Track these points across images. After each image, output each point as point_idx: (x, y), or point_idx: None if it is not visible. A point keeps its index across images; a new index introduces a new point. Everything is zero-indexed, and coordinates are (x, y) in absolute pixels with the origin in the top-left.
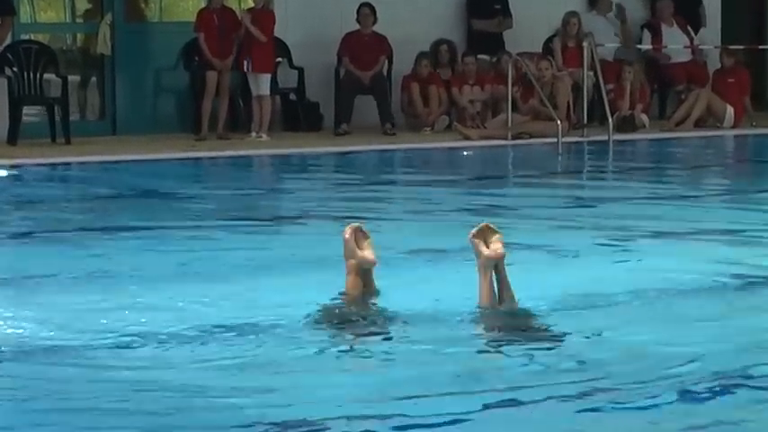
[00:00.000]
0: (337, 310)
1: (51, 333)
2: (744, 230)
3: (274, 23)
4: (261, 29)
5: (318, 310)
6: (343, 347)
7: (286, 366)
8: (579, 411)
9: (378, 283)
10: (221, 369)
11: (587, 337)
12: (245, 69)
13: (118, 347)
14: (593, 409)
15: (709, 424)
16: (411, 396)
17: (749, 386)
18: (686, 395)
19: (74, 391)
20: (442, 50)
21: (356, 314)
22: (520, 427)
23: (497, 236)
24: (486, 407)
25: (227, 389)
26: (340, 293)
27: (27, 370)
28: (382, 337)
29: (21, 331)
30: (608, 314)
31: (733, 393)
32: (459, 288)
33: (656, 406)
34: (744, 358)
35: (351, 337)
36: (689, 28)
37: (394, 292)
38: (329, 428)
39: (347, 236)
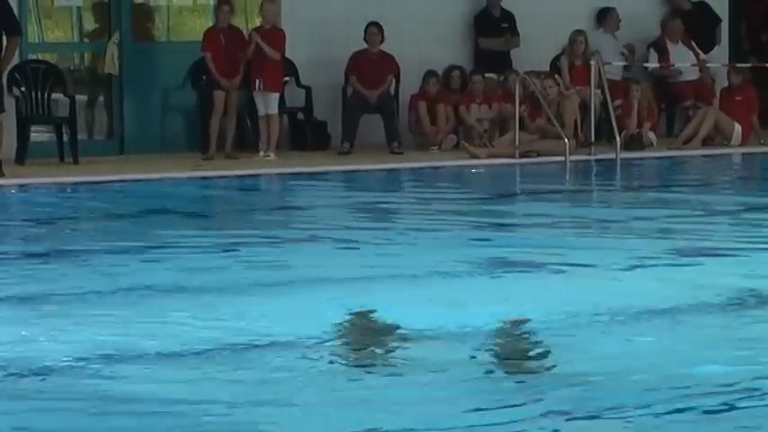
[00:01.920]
0: (347, 327)
1: (62, 349)
2: (754, 248)
3: (285, 41)
4: (272, 47)
5: (330, 328)
6: (352, 365)
7: (298, 383)
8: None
9: (388, 298)
10: (235, 385)
11: (599, 353)
12: (257, 88)
13: (128, 365)
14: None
15: None
16: (423, 413)
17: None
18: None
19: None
20: (454, 76)
21: (365, 331)
22: None
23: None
24: (494, 424)
25: (242, 404)
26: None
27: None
28: (393, 353)
29: (26, 350)
30: (620, 329)
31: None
32: (472, 304)
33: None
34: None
35: (359, 355)
36: (693, 44)
37: (404, 309)
38: None
39: None
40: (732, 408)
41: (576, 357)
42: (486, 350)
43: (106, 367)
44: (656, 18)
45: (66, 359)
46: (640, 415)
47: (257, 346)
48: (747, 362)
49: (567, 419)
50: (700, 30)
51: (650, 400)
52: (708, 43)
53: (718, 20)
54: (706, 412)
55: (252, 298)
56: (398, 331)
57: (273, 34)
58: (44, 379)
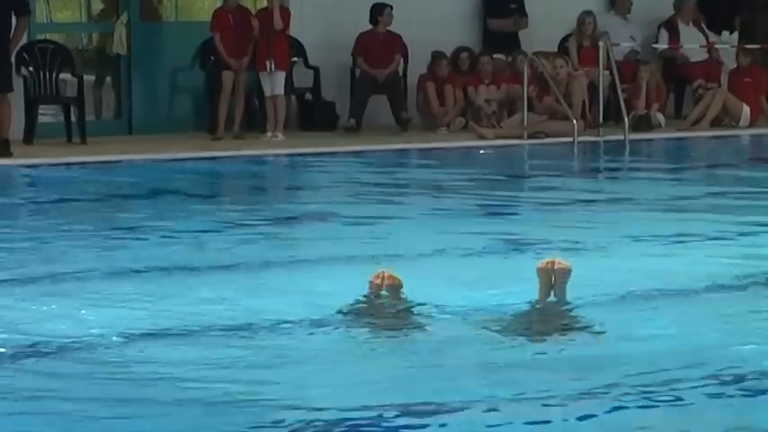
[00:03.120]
0: (361, 306)
1: (68, 329)
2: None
3: (290, 18)
4: (278, 24)
5: (343, 306)
6: (368, 342)
7: (315, 359)
8: (609, 411)
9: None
10: (249, 365)
11: (616, 333)
12: (268, 69)
13: (143, 342)
14: (621, 407)
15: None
16: (436, 388)
17: None
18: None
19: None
20: (463, 57)
21: (381, 310)
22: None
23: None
24: (509, 400)
25: (257, 383)
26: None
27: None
28: (406, 332)
29: (38, 327)
30: (636, 310)
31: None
32: (483, 284)
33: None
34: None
35: (376, 332)
36: (703, 25)
37: (418, 290)
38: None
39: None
40: None
41: (599, 336)
42: (504, 328)
43: (124, 346)
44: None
45: (76, 337)
46: (676, 395)
47: (270, 324)
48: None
49: (605, 399)
50: (720, 13)
51: (684, 380)
52: (726, 26)
53: (740, 6)
54: (745, 394)
55: (265, 275)
56: (414, 310)
57: (280, 13)
58: (57, 356)
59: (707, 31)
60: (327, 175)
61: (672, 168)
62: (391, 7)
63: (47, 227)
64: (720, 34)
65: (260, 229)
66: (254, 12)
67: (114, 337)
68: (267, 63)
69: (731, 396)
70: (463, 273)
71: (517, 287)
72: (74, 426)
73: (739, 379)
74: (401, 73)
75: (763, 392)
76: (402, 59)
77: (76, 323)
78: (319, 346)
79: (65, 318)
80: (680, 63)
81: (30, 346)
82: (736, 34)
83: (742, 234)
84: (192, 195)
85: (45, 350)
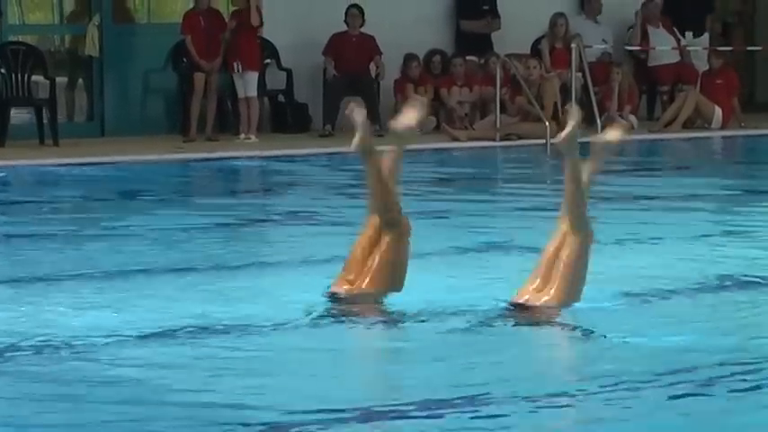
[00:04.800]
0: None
1: (44, 330)
2: (741, 230)
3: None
4: (250, 27)
5: (317, 307)
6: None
7: (288, 361)
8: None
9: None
10: (227, 367)
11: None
12: (236, 71)
13: (117, 346)
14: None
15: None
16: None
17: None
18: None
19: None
20: (435, 61)
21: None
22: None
23: None
24: (506, 397)
25: (238, 387)
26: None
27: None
28: (393, 332)
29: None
30: (609, 314)
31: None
32: (466, 285)
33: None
34: None
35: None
36: (675, 29)
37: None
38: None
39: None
40: None
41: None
42: (497, 326)
43: (89, 348)
44: (638, 2)
45: (41, 340)
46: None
47: (246, 325)
48: None
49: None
50: (694, 13)
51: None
52: (697, 28)
53: (712, 7)
54: None
55: (236, 277)
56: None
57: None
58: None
59: (677, 34)
60: (297, 177)
61: (644, 169)
62: (358, 8)
63: (15, 229)
64: (684, 36)
65: (229, 231)
66: (226, 14)
67: (78, 341)
68: (235, 65)
69: None
70: (429, 274)
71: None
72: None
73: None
74: (373, 75)
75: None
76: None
77: (41, 325)
78: (289, 347)
79: (29, 319)
80: (651, 66)
81: None
82: (706, 36)
83: (718, 234)
84: (161, 197)
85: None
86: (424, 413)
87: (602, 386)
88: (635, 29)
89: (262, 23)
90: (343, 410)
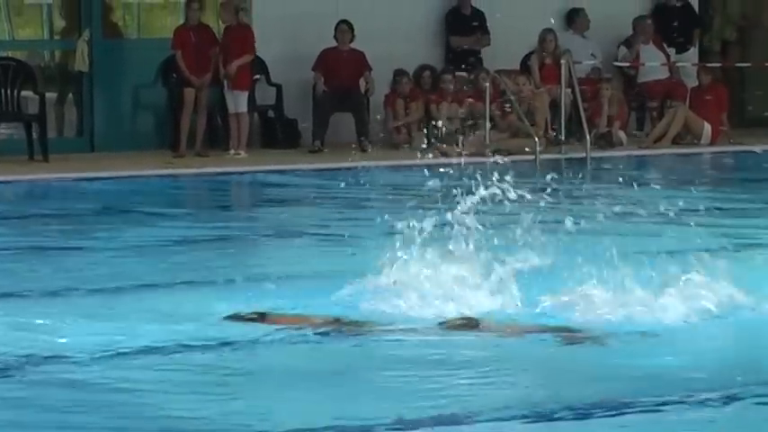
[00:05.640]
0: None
1: (29, 344)
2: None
3: (254, 39)
4: (242, 45)
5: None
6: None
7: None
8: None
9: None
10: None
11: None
12: (226, 87)
13: (108, 361)
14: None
15: None
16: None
17: None
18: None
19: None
20: (425, 76)
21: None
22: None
23: None
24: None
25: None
26: None
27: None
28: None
29: None
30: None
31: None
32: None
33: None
34: None
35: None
36: (664, 45)
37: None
38: None
39: None
40: None
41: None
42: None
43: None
44: (627, 18)
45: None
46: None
47: (231, 341)
48: None
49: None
50: (681, 29)
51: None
52: (685, 43)
53: (700, 22)
54: None
55: (224, 294)
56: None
57: (242, 31)
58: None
59: (666, 50)
60: (286, 192)
61: (633, 185)
62: (348, 24)
63: (2, 243)
64: (683, 53)
65: (221, 245)
66: (216, 31)
67: (62, 354)
68: (225, 82)
69: None
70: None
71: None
72: None
73: None
74: (363, 91)
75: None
76: (369, 74)
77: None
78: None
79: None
80: (641, 81)
81: None
82: (693, 51)
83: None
84: (151, 213)
85: None
86: None
87: None
88: (633, 46)
89: (252, 52)
90: None
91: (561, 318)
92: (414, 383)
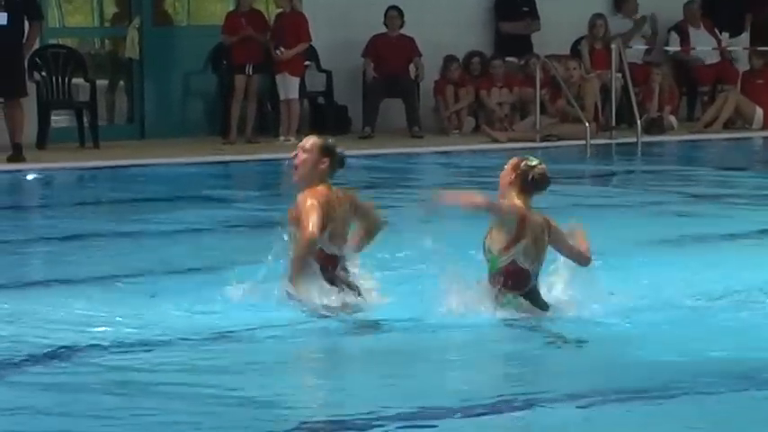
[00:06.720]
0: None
1: (72, 335)
2: None
3: (308, 25)
4: (296, 32)
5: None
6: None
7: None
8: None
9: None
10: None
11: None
12: (279, 53)
13: (148, 347)
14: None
15: None
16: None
17: None
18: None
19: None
20: (475, 62)
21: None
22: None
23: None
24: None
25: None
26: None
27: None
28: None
29: (44, 332)
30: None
31: None
32: None
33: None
34: None
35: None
36: (716, 30)
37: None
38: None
39: None
40: None
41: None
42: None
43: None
44: (677, 2)
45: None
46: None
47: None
48: None
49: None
50: (730, 14)
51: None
52: (736, 28)
53: (749, 6)
54: None
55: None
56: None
57: (295, 18)
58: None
59: (718, 35)
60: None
61: (685, 171)
62: (398, 9)
63: (52, 231)
64: (735, 37)
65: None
66: (268, 16)
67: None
68: (277, 52)
69: None
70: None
71: None
72: None
73: None
74: (413, 77)
75: None
76: (419, 59)
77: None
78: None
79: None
80: (691, 66)
81: None
82: (746, 35)
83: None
84: (201, 199)
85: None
86: None
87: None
88: (683, 31)
89: (308, 40)
90: None
91: None
92: None
